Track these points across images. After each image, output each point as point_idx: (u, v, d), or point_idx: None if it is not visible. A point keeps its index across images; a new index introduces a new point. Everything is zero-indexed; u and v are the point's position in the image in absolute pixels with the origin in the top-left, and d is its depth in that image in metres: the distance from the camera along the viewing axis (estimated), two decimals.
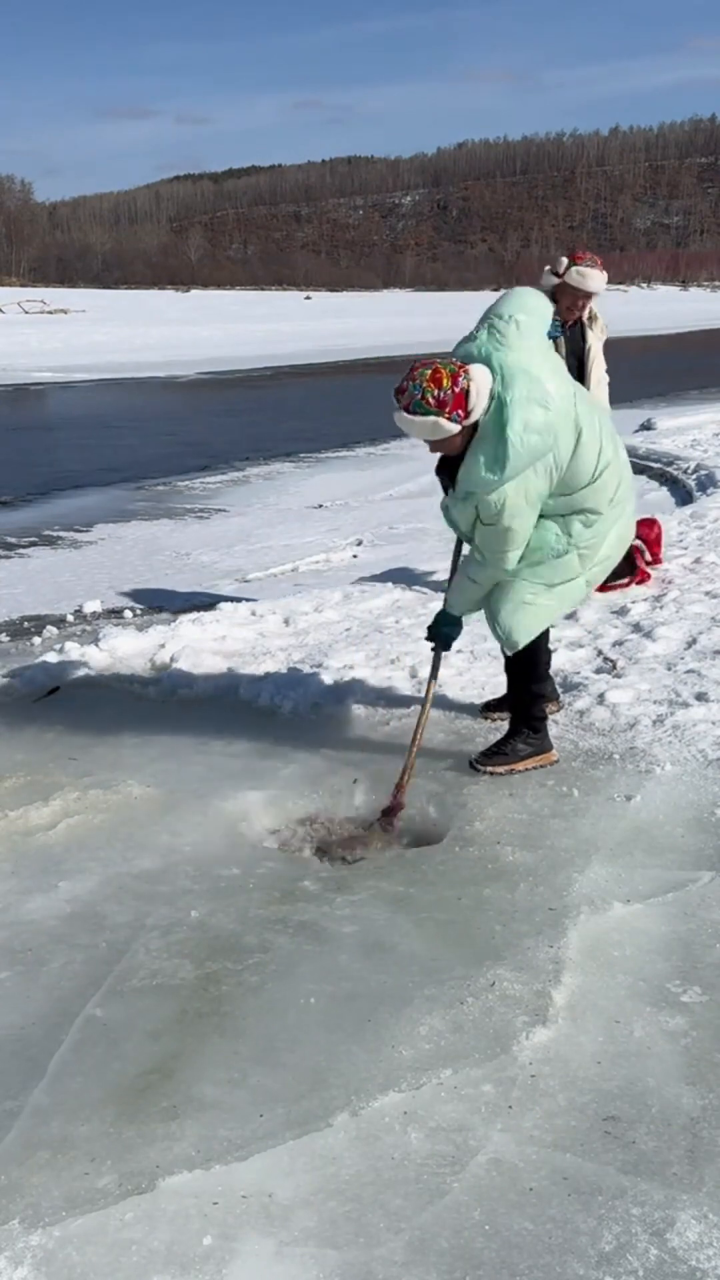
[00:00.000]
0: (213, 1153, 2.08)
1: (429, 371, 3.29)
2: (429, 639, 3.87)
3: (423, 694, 3.91)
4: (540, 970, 2.64)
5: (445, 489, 3.66)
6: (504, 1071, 2.30)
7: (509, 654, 3.80)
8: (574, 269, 5.50)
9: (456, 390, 3.27)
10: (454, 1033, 2.42)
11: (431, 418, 3.30)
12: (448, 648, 3.87)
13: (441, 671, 4.70)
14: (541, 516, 3.55)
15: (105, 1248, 1.88)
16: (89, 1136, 2.14)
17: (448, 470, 3.60)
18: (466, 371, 3.30)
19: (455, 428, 3.32)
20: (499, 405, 3.31)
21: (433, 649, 3.88)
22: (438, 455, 3.60)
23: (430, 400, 3.28)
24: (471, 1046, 2.37)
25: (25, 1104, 2.24)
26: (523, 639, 3.69)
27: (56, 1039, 2.44)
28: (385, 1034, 2.41)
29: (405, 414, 3.34)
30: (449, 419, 3.30)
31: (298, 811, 3.65)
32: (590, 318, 5.77)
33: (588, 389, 5.40)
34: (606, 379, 5.93)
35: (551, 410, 3.35)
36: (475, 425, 3.37)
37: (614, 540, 3.72)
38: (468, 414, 3.30)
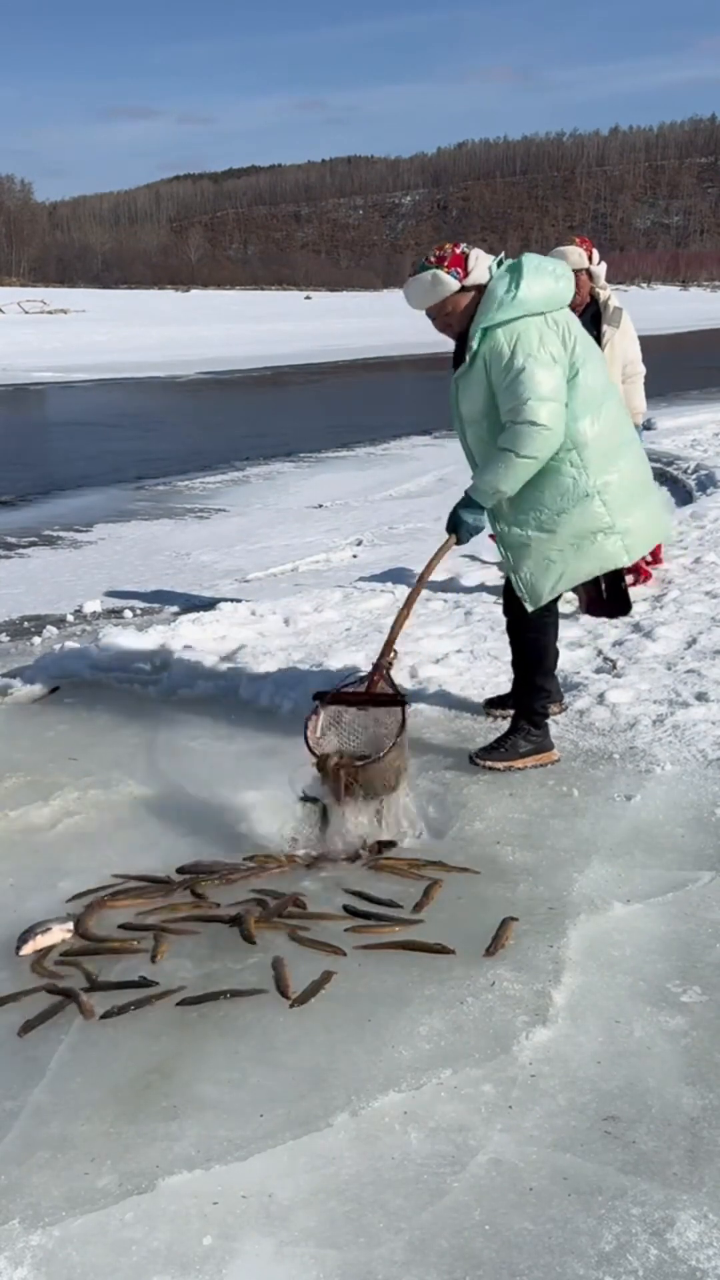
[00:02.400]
0: (213, 1153, 2.08)
1: (436, 244, 3.59)
2: (447, 528, 3.66)
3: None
4: (540, 970, 2.64)
5: (454, 364, 3.69)
6: (504, 1071, 2.30)
7: (529, 609, 3.69)
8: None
9: (456, 252, 3.51)
10: (454, 1033, 2.42)
11: (430, 271, 3.50)
12: (464, 540, 3.68)
13: (441, 669, 4.73)
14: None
15: (105, 1248, 1.88)
16: (89, 1136, 2.14)
17: (458, 350, 3.66)
18: (469, 244, 3.56)
19: (454, 283, 3.48)
20: (509, 265, 3.51)
21: (447, 537, 3.65)
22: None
23: (431, 259, 3.52)
24: (471, 1046, 2.37)
25: (25, 1104, 2.24)
26: (545, 594, 3.68)
27: (56, 1039, 2.44)
28: (385, 1034, 2.41)
29: (410, 279, 3.56)
30: (448, 272, 3.48)
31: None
32: (604, 305, 5.61)
33: None
34: (638, 379, 5.73)
35: (566, 268, 3.59)
36: (479, 293, 3.49)
37: (648, 514, 3.71)
38: (466, 273, 3.47)
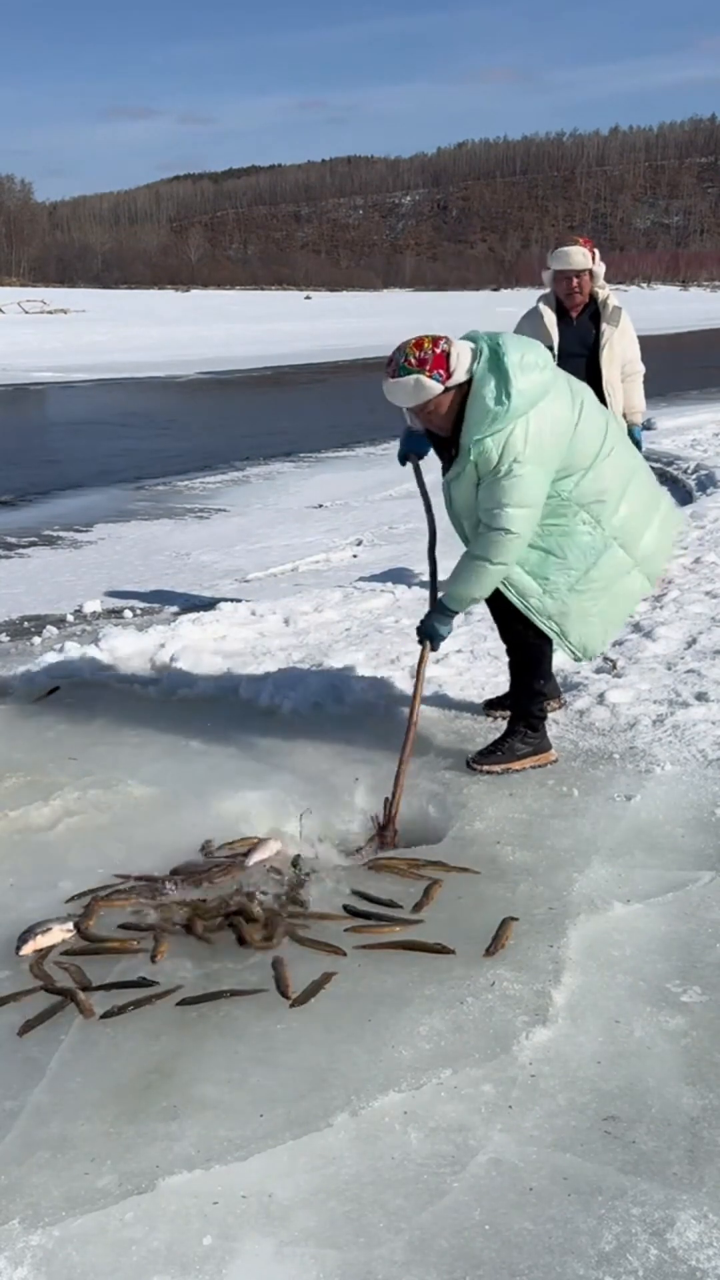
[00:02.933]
0: (213, 1153, 2.08)
1: (412, 340, 3.47)
2: (419, 637, 3.76)
3: (426, 688, 3.88)
4: (540, 970, 2.64)
5: (445, 466, 3.66)
6: (504, 1071, 2.30)
7: (584, 661, 3.79)
8: (553, 251, 5.50)
9: (437, 351, 3.41)
10: (454, 1033, 2.42)
11: (413, 376, 3.41)
12: (436, 648, 3.80)
13: (436, 672, 4.72)
14: (564, 515, 3.53)
15: (105, 1248, 1.88)
16: (89, 1136, 2.14)
17: (444, 446, 3.63)
18: (448, 339, 3.46)
19: (437, 386, 3.41)
20: (493, 350, 3.42)
21: (420, 643, 3.75)
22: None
23: (412, 361, 3.42)
24: (471, 1046, 2.37)
25: (25, 1104, 2.24)
26: (598, 649, 3.79)
27: (56, 1039, 2.44)
28: (385, 1034, 2.41)
29: (390, 379, 3.47)
30: (430, 377, 3.40)
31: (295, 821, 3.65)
32: (603, 304, 5.59)
33: (599, 394, 5.31)
34: (637, 378, 5.72)
35: (546, 355, 3.48)
36: (465, 389, 3.43)
37: (658, 532, 3.72)
38: (449, 374, 3.40)
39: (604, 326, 5.56)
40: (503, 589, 3.61)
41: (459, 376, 3.40)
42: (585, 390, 3.62)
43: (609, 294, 5.65)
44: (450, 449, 3.57)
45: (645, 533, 3.69)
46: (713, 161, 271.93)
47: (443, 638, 3.73)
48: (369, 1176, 2.03)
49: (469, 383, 3.41)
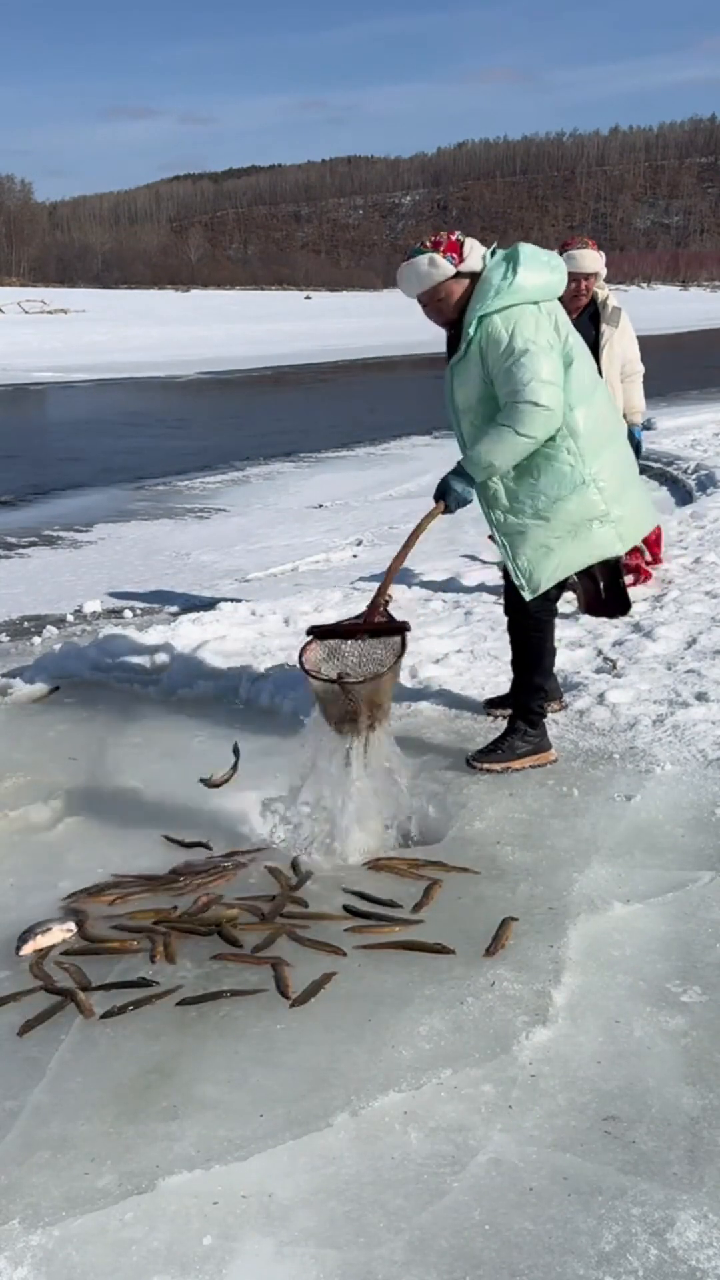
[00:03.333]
0: (213, 1153, 2.08)
1: (430, 233, 3.58)
2: (436, 495, 3.62)
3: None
4: (540, 970, 2.64)
5: (449, 355, 3.68)
6: (504, 1071, 2.30)
7: (527, 597, 3.69)
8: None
9: (451, 238, 3.51)
10: (454, 1033, 2.42)
11: (426, 255, 3.49)
12: (451, 509, 3.62)
13: (436, 672, 4.72)
14: (553, 438, 3.51)
15: (105, 1248, 1.88)
16: (89, 1136, 2.14)
17: (453, 342, 3.66)
18: (463, 234, 3.55)
19: (449, 267, 3.47)
20: (504, 254, 3.51)
21: (435, 500, 3.61)
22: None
23: (426, 244, 3.51)
24: (471, 1046, 2.37)
25: (25, 1104, 2.24)
26: (544, 582, 3.69)
27: (56, 1039, 2.44)
28: (385, 1034, 2.41)
29: (404, 263, 3.55)
30: (444, 256, 3.47)
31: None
32: (603, 304, 5.60)
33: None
34: (637, 378, 5.73)
35: (559, 260, 3.60)
36: (472, 281, 3.49)
37: (636, 501, 3.75)
38: (462, 259, 3.47)
39: (604, 327, 5.56)
40: (478, 495, 3.62)
41: (472, 263, 3.48)
42: (586, 358, 3.65)
43: (608, 294, 5.65)
44: (456, 337, 3.61)
45: (627, 491, 3.70)
46: (713, 161, 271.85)
47: (458, 497, 3.58)
48: (369, 1176, 2.03)
49: (479, 274, 3.49)
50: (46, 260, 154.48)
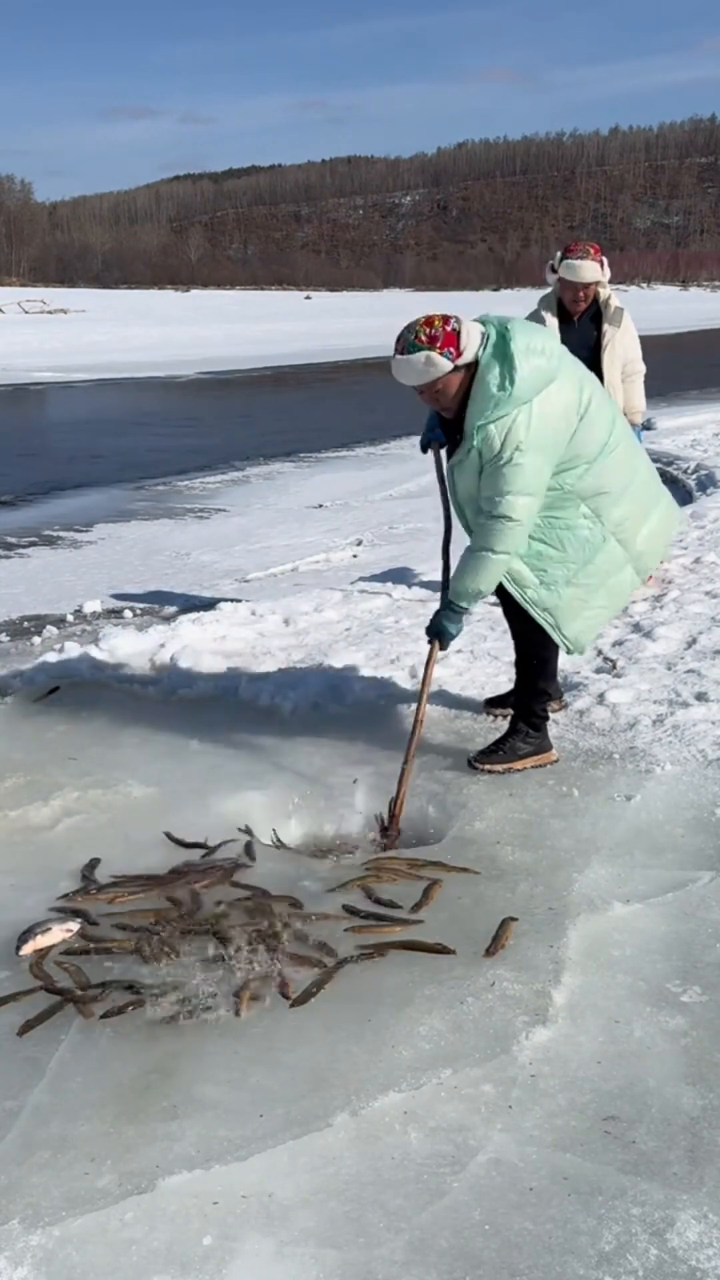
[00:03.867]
0: (213, 1153, 2.08)
1: (421, 318, 3.46)
2: (429, 635, 3.74)
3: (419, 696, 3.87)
4: (540, 970, 2.64)
5: (450, 450, 3.65)
6: (504, 1071, 2.30)
7: (576, 655, 3.78)
8: (564, 262, 5.48)
9: (448, 329, 3.40)
10: (454, 1033, 2.42)
11: (424, 353, 3.39)
12: (446, 647, 3.77)
13: (441, 669, 4.72)
14: (566, 507, 3.53)
15: (105, 1248, 1.88)
16: (89, 1136, 2.14)
17: (450, 429, 3.62)
18: (457, 318, 3.44)
19: (447, 364, 3.39)
20: (500, 335, 3.40)
21: (429, 642, 3.74)
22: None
23: (422, 338, 3.40)
24: (471, 1046, 2.37)
25: (25, 1104, 2.24)
26: (588, 643, 3.78)
27: (56, 1039, 2.44)
28: (385, 1034, 2.41)
29: (399, 356, 3.45)
30: (441, 353, 3.38)
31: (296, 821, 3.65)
32: (605, 304, 5.59)
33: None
34: (637, 378, 5.72)
35: (554, 343, 3.47)
36: (472, 370, 3.42)
37: (654, 528, 3.72)
38: (459, 352, 3.38)
39: (606, 327, 5.57)
40: (502, 579, 3.60)
41: (468, 356, 3.40)
42: (593, 381, 3.60)
43: (610, 294, 5.65)
44: (456, 433, 3.57)
45: (642, 529, 3.68)
46: (713, 161, 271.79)
47: (452, 636, 3.70)
48: (369, 1176, 2.03)
49: (477, 364, 3.41)
50: (46, 260, 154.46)
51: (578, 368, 3.57)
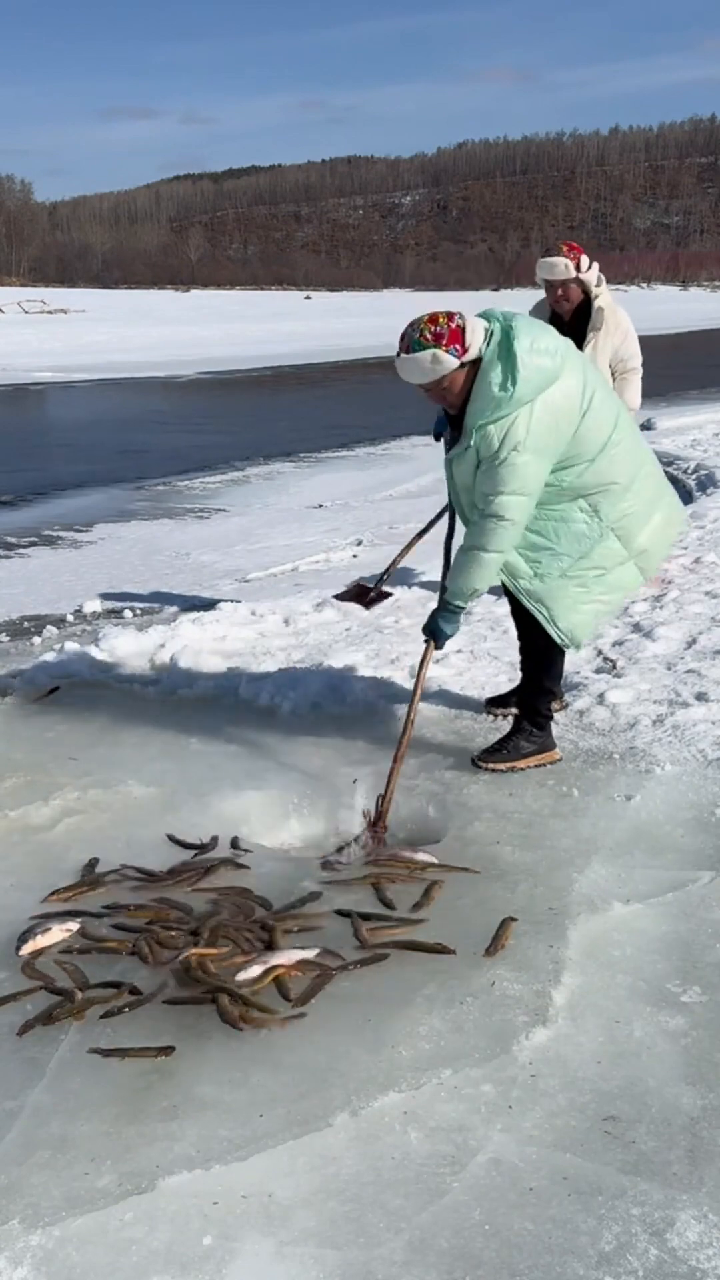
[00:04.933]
0: (213, 1153, 2.08)
1: (425, 316, 3.44)
2: (425, 634, 3.72)
3: (426, 688, 3.86)
4: (540, 970, 2.64)
5: (449, 445, 3.65)
6: (504, 1071, 2.29)
7: (575, 651, 3.75)
8: (539, 260, 5.50)
9: (452, 326, 3.38)
10: (454, 1033, 2.42)
11: (429, 351, 3.37)
12: (441, 646, 3.75)
13: (436, 672, 4.72)
14: (561, 502, 3.52)
15: (105, 1248, 1.88)
16: (89, 1136, 2.14)
17: (451, 423, 3.61)
18: (461, 314, 3.43)
19: (454, 360, 3.37)
20: (505, 333, 3.38)
21: (425, 642, 3.72)
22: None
23: (427, 336, 3.38)
24: (471, 1046, 2.37)
25: (25, 1104, 2.24)
26: (585, 638, 3.76)
27: (56, 1039, 2.44)
28: (385, 1034, 2.41)
29: (404, 355, 3.43)
30: (446, 350, 3.36)
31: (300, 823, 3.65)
32: (596, 310, 5.53)
33: None
34: (632, 375, 5.67)
35: (558, 341, 3.44)
36: (476, 366, 3.40)
37: (657, 526, 3.71)
38: (465, 349, 3.36)
39: (589, 332, 5.56)
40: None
41: (474, 352, 3.38)
42: (597, 378, 3.59)
43: (600, 295, 5.62)
44: (457, 428, 3.56)
45: (645, 527, 3.67)
46: (713, 161, 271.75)
47: (448, 636, 3.69)
48: (369, 1176, 2.03)
49: (480, 360, 3.40)
50: (46, 260, 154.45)
51: (582, 364, 3.56)
